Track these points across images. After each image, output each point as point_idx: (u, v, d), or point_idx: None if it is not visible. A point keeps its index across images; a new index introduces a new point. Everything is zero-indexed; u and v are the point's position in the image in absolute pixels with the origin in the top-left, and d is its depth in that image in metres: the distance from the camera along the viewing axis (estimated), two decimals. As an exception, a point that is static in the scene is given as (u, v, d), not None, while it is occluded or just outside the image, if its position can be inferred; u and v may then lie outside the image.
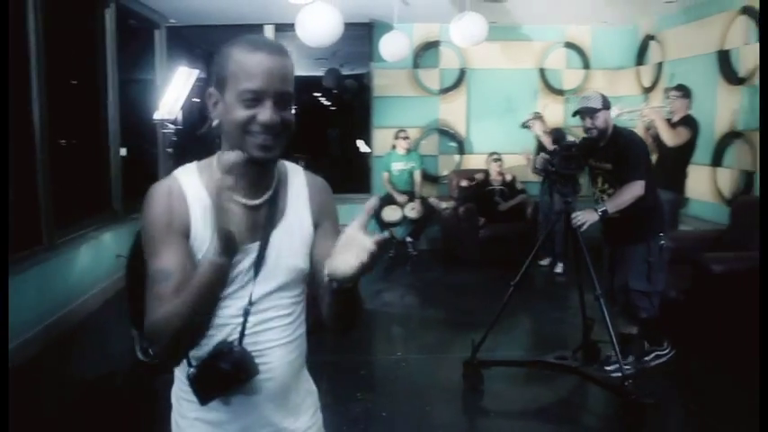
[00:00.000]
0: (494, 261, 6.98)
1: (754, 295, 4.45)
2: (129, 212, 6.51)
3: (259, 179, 1.42)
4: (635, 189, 3.81)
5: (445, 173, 8.12)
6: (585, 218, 3.80)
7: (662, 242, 3.96)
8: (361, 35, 8.17)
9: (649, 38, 7.64)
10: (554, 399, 4.02)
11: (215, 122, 1.38)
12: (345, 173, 10.08)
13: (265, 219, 1.42)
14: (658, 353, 4.23)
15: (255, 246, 1.40)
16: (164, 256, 1.33)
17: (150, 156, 7.66)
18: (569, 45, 8.21)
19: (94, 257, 5.77)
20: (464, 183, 7.40)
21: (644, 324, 4.10)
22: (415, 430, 3.52)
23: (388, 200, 7.68)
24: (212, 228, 1.34)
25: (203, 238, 1.37)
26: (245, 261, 1.39)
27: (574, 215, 3.83)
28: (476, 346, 3.98)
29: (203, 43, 9.71)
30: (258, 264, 1.40)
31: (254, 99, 1.31)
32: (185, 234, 1.36)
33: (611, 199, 3.86)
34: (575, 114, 4.04)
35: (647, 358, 4.16)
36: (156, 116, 6.36)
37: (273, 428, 1.48)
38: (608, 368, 4.05)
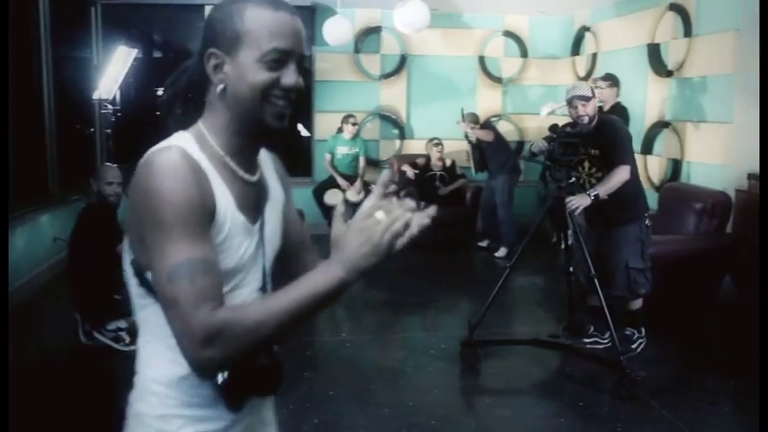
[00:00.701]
0: (434, 244, 7.13)
1: (682, 274, 4.74)
2: (66, 194, 6.37)
3: (256, 153, 1.30)
4: (622, 173, 4.04)
5: (386, 157, 8.21)
6: (579, 202, 4.01)
7: (647, 222, 4.23)
8: (303, 18, 8.09)
9: (585, 29, 7.88)
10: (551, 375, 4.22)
11: (219, 88, 1.21)
12: (287, 156, 10.04)
13: (259, 195, 1.30)
14: (640, 338, 4.38)
15: (258, 225, 1.29)
16: (199, 243, 1.11)
17: (88, 136, 7.50)
18: (508, 34, 8.39)
19: (30, 241, 5.64)
20: (409, 172, 7.50)
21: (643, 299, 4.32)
22: (361, 408, 3.61)
23: (329, 183, 7.74)
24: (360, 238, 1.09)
25: (225, 218, 1.20)
26: (254, 240, 1.27)
27: (567, 200, 4.02)
28: (473, 326, 4.14)
29: (141, 22, 9.50)
30: (262, 242, 1.29)
31: (280, 60, 1.19)
32: (212, 215, 1.18)
33: (602, 184, 4.08)
34: (567, 103, 4.24)
35: (633, 346, 4.32)
36: (95, 96, 6.26)
37: (265, 423, 1.41)
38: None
